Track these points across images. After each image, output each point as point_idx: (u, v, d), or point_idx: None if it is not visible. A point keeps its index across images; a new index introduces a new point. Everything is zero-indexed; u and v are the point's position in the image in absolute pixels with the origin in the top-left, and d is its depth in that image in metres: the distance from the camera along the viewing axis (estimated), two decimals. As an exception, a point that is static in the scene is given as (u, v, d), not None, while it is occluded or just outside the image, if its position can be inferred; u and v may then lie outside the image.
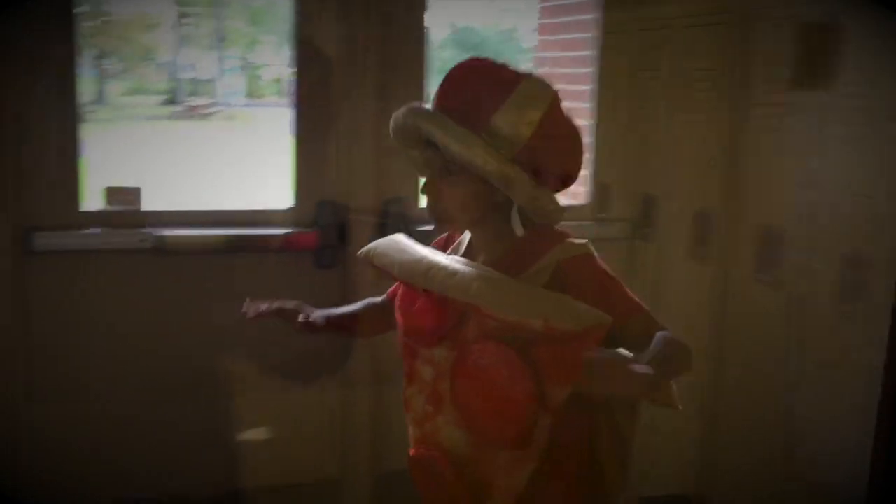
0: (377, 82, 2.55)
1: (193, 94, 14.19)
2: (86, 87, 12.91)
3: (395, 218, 2.64)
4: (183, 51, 14.51)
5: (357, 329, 1.83)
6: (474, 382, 1.47)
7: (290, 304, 1.75)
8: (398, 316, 1.61)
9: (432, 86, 2.62)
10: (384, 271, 1.60)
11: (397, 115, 1.52)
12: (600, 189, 2.99)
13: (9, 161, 2.34)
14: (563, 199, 1.60)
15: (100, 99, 13.01)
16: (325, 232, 2.61)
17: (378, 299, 1.78)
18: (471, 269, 1.48)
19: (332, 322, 1.75)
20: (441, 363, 1.52)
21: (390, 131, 1.55)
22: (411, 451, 1.58)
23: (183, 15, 13.91)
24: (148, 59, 14.57)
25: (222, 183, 8.39)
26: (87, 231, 2.46)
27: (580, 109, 3.07)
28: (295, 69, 2.58)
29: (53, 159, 2.41)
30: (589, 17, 3.11)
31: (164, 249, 2.46)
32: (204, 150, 11.24)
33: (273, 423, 2.67)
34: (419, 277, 1.50)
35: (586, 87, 3.03)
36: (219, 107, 14.15)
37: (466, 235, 1.63)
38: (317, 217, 2.61)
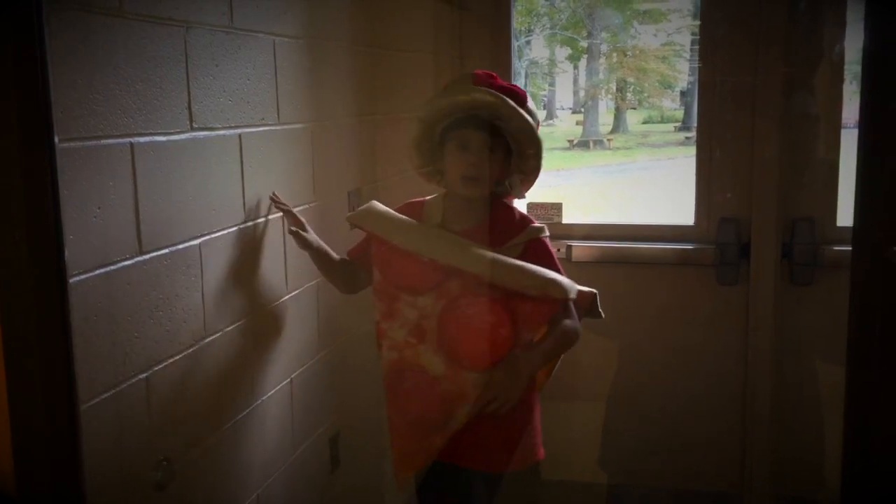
0: (782, 103, 2.55)
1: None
2: (607, 118, 13.98)
3: (803, 238, 2.60)
4: (696, 78, 14.80)
5: (329, 269, 2.18)
6: (464, 325, 1.96)
7: (296, 217, 2.12)
8: (380, 269, 2.03)
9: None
10: (375, 236, 2.04)
11: (475, 96, 1.94)
12: None
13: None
14: None
15: (617, 128, 13.95)
16: (725, 249, 2.66)
17: (339, 257, 2.18)
18: (478, 248, 1.97)
19: (313, 247, 2.12)
20: (426, 307, 1.99)
21: (452, 110, 1.96)
22: (392, 367, 2.01)
23: (696, 44, 14.20)
24: (664, 87, 15.17)
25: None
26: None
27: None
28: (699, 86, 2.70)
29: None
30: None
31: (570, 259, 2.77)
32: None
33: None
34: (434, 251, 1.97)
35: None
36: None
37: (430, 206, 2.10)
38: (718, 234, 2.68)
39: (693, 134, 14.59)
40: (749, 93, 2.60)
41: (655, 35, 14.70)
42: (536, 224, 2.08)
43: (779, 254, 2.60)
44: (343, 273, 2.21)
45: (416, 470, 2.09)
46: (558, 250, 2.80)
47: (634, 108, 15.18)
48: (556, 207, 2.89)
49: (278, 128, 2.13)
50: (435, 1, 2.82)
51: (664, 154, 13.62)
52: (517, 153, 2.01)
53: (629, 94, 14.95)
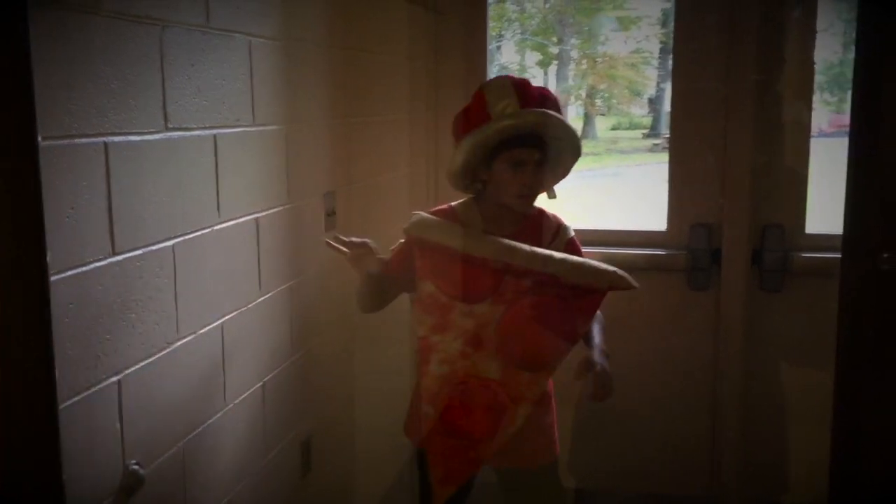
0: (754, 111, 2.58)
1: (674, 126, 14.55)
2: (576, 123, 14.05)
3: (773, 245, 2.63)
4: (666, 85, 14.96)
5: (376, 290, 2.17)
6: (530, 328, 2.01)
7: (361, 248, 2.10)
8: (433, 281, 2.04)
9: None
10: (429, 247, 2.04)
11: (528, 119, 1.98)
12: None
13: (432, 186, 2.85)
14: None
15: (586, 134, 14.03)
16: (697, 254, 2.69)
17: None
18: (541, 250, 2.02)
19: (373, 278, 2.13)
20: (484, 315, 2.03)
21: (510, 130, 1.98)
22: (444, 381, 2.03)
23: (667, 51, 14.37)
24: (634, 94, 15.32)
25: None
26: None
27: None
28: (673, 96, 2.73)
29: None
30: None
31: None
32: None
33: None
34: (503, 254, 1.99)
35: None
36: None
37: (464, 213, 2.11)
38: (690, 240, 2.71)
39: (661, 141, 14.75)
40: (721, 100, 2.63)
41: (626, 42, 14.83)
42: (564, 223, 2.18)
43: (749, 260, 2.63)
44: (378, 290, 2.19)
45: (460, 484, 2.11)
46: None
47: (604, 115, 15.31)
48: (531, 212, 2.90)
49: (253, 129, 2.11)
50: (410, 4, 2.82)
51: (633, 160, 13.71)
52: (557, 160, 2.08)
53: (598, 101, 15.07)
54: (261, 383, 2.21)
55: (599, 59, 14.29)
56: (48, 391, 1.16)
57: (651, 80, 15.27)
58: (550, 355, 2.06)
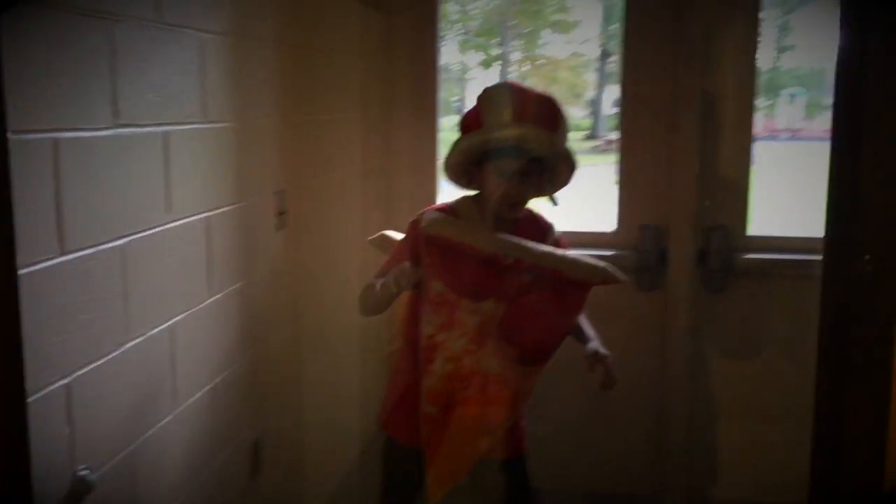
0: (700, 115, 2.63)
1: (614, 129, 14.77)
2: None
3: (717, 246, 2.69)
4: (607, 87, 15.17)
5: (388, 296, 2.20)
6: (533, 322, 2.14)
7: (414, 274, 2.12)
8: (443, 278, 2.10)
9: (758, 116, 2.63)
10: (440, 245, 2.10)
11: (516, 132, 2.05)
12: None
13: (385, 184, 2.85)
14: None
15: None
16: (645, 255, 2.73)
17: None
18: (545, 246, 2.15)
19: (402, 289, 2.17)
20: (489, 311, 2.10)
21: (493, 143, 2.07)
22: (449, 378, 2.11)
23: (606, 54, 14.62)
24: (576, 96, 15.48)
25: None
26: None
27: None
28: (621, 99, 2.77)
29: (415, 183, 2.88)
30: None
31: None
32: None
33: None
34: (515, 250, 2.10)
35: None
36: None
37: (463, 212, 2.16)
38: (639, 241, 2.75)
39: (601, 142, 14.98)
40: (668, 104, 2.68)
41: (566, 45, 15.00)
42: (551, 223, 2.30)
43: (695, 261, 2.68)
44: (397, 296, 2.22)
45: (458, 482, 2.18)
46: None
47: (544, 116, 15.39)
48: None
49: (205, 126, 2.08)
50: (360, 4, 2.80)
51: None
52: (552, 172, 2.15)
53: (540, 103, 15.15)
54: (211, 385, 2.17)
55: (541, 62, 14.42)
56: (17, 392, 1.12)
57: (590, 82, 15.47)
58: (551, 348, 2.20)
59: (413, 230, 2.20)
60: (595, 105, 16.12)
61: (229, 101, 2.21)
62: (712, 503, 2.82)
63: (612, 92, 15.85)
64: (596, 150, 14.55)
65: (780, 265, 2.68)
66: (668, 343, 2.74)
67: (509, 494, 2.30)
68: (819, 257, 2.67)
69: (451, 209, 2.21)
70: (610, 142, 14.82)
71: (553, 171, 2.15)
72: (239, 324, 2.33)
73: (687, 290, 2.68)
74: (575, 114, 15.95)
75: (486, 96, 2.16)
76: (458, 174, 2.21)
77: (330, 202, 2.78)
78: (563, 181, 2.19)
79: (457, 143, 2.17)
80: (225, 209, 2.19)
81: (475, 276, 2.12)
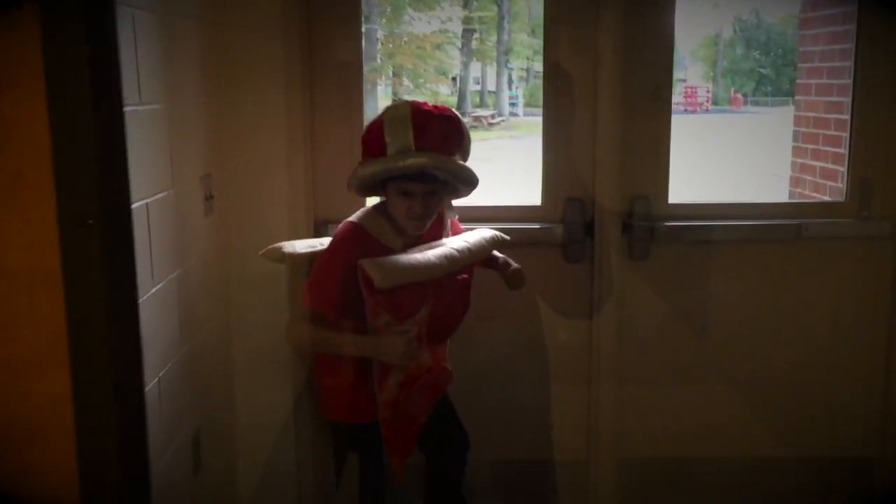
0: (617, 85, 2.70)
1: (480, 105, 15.01)
2: (385, 103, 14.12)
3: (640, 216, 2.78)
4: (471, 65, 15.36)
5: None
6: (454, 312, 2.37)
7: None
8: (391, 311, 2.20)
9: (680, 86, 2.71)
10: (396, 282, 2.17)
11: (419, 161, 2.15)
12: (860, 185, 2.90)
13: (309, 167, 2.79)
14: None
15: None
16: (572, 228, 2.79)
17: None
18: (455, 244, 2.33)
19: None
20: (423, 318, 2.26)
21: (397, 171, 2.18)
22: (402, 385, 2.27)
23: (469, 31, 14.78)
24: (439, 73, 15.59)
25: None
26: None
27: (841, 104, 3.02)
28: (543, 73, 2.81)
29: (345, 164, 2.82)
30: (850, 8, 3.03)
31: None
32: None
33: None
34: (450, 266, 2.26)
35: (848, 81, 2.96)
36: (501, 117, 14.88)
37: (375, 228, 2.28)
38: (564, 214, 2.81)
39: (468, 120, 15.14)
40: (590, 77, 2.73)
41: (430, 23, 15.03)
42: (444, 208, 2.40)
43: (620, 230, 2.77)
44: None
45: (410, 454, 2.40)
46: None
47: (410, 94, 15.45)
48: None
49: (141, 108, 1.97)
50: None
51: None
52: (455, 189, 2.30)
53: (406, 80, 15.18)
54: (157, 378, 2.07)
55: (406, 39, 14.40)
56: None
57: (455, 59, 15.60)
58: (456, 326, 2.43)
59: (336, 260, 2.26)
60: (459, 82, 16.32)
61: (161, 82, 2.10)
62: (643, 466, 2.93)
63: (475, 69, 16.05)
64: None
65: (699, 231, 2.80)
66: (595, 311, 2.81)
67: (441, 428, 2.48)
68: (738, 222, 2.82)
69: (361, 231, 2.28)
70: (477, 118, 15.04)
71: (456, 188, 2.29)
72: (178, 313, 2.24)
73: (613, 259, 2.76)
74: (441, 91, 16.13)
75: (389, 120, 2.21)
76: (362, 191, 2.33)
77: (256, 186, 2.69)
78: (466, 194, 2.35)
79: (361, 168, 2.24)
80: (161, 195, 2.09)
81: (416, 297, 2.24)
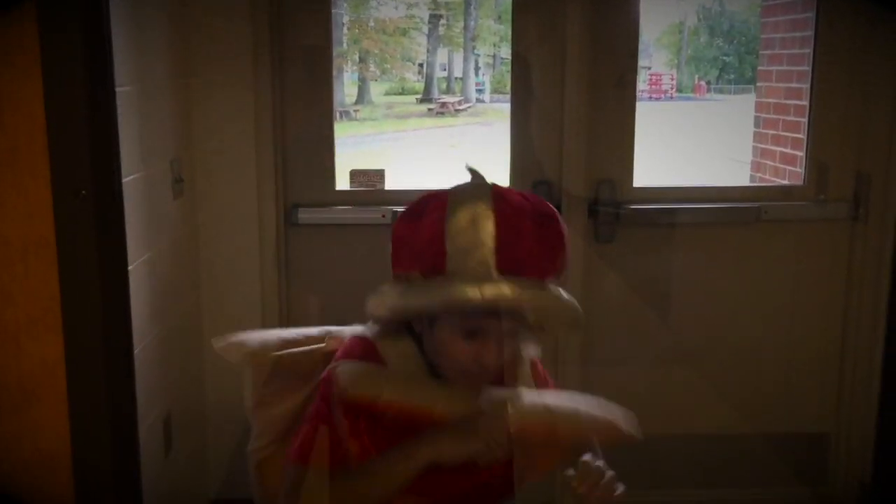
0: (584, 72, 2.75)
1: (446, 92, 15.02)
2: (351, 88, 14.05)
3: (606, 200, 2.83)
4: (438, 51, 15.31)
5: None
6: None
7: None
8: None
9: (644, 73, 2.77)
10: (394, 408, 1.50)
11: (497, 293, 1.41)
12: (818, 169, 2.98)
13: (279, 150, 2.80)
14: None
15: (362, 99, 14.08)
16: (539, 210, 2.83)
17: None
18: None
19: None
20: None
21: (466, 307, 1.43)
22: None
23: (436, 16, 14.76)
24: (406, 59, 15.53)
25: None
26: (339, 207, 2.88)
27: (801, 90, 3.09)
28: (511, 59, 2.84)
29: (314, 148, 2.84)
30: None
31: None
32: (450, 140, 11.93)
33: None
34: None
35: (806, 68, 3.03)
36: (468, 103, 14.90)
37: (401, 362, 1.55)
38: (532, 196, 2.84)
39: (434, 106, 15.06)
40: (557, 63, 2.77)
41: (396, 8, 14.99)
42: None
43: (586, 214, 2.82)
44: None
45: None
46: (382, 216, 2.84)
47: (376, 80, 15.43)
48: (379, 174, 2.91)
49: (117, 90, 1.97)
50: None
51: (410, 125, 14.00)
52: (538, 328, 1.56)
53: (372, 66, 15.14)
54: (129, 362, 2.08)
55: (372, 24, 14.30)
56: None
57: (421, 45, 15.55)
58: None
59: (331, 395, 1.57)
60: (426, 67, 16.30)
61: (129, 63, 2.11)
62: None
63: (443, 55, 16.03)
64: (430, 114, 14.81)
65: (663, 214, 2.87)
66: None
67: None
68: (700, 205, 2.88)
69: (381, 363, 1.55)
70: (444, 104, 15.02)
71: (542, 328, 1.56)
72: (149, 296, 2.25)
73: (579, 242, 2.81)
74: (409, 77, 16.09)
75: (457, 221, 1.44)
76: (393, 322, 1.56)
77: (224, 168, 2.70)
78: (555, 334, 1.63)
79: (405, 298, 1.48)
80: (131, 178, 2.09)
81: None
